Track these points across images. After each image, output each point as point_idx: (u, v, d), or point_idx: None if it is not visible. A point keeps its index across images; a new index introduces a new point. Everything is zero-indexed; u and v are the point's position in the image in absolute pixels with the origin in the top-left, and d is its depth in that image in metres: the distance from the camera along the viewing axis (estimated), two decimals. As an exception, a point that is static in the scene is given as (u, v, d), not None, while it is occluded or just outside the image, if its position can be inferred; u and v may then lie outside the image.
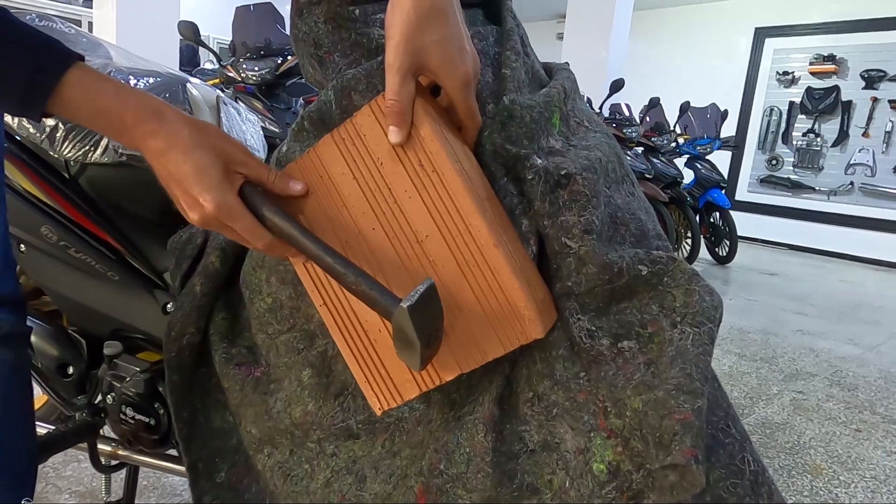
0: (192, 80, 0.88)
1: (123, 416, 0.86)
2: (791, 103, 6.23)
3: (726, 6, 6.54)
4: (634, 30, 5.53)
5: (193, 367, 0.70)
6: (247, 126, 0.92)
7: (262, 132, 0.98)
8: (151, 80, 0.83)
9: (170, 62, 3.71)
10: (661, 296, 0.50)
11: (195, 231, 0.78)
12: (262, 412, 0.62)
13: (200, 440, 0.69)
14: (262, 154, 0.95)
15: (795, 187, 6.25)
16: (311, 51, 0.61)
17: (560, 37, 5.62)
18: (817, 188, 6.12)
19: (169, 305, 0.82)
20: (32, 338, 0.90)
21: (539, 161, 0.50)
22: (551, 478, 0.48)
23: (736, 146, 5.57)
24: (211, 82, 2.91)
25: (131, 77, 0.82)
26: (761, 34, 6.36)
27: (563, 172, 0.50)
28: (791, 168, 6.27)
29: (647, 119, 4.50)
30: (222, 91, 2.91)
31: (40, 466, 1.21)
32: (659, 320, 0.49)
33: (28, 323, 0.91)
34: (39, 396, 1.07)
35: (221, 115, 0.87)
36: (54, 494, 1.15)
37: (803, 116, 6.17)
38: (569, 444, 0.48)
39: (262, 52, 2.59)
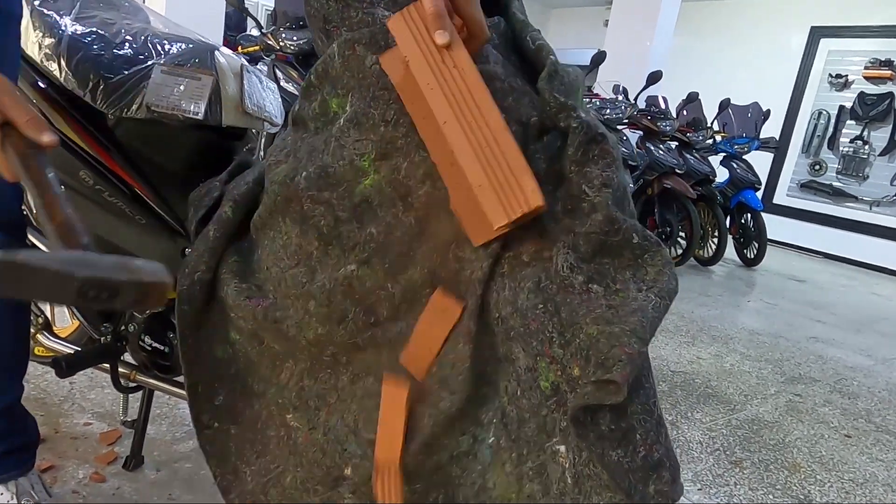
0: (221, 48, 0.97)
1: (142, 343, 0.98)
2: (841, 107, 6.04)
3: (781, 2, 6.33)
4: (681, 21, 5.42)
5: (202, 301, 0.79)
6: (266, 93, 1.00)
7: (280, 99, 1.07)
8: (184, 46, 0.92)
9: (215, 26, 3.83)
10: (637, 267, 0.60)
11: (213, 185, 0.88)
12: (280, 335, 0.71)
13: (202, 365, 0.78)
14: (279, 119, 1.04)
15: (837, 195, 6.08)
16: (321, 25, 0.69)
17: (607, 23, 5.56)
18: (860, 197, 5.95)
19: (187, 250, 0.92)
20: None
21: (583, 115, 0.60)
22: (506, 385, 0.59)
23: (776, 147, 5.45)
24: (251, 49, 3.02)
25: (166, 42, 0.91)
26: (817, 34, 6.15)
27: (599, 131, 0.60)
28: (834, 175, 6.11)
29: (685, 113, 4.44)
30: (263, 58, 3.01)
31: (67, 387, 1.35)
32: (627, 284, 0.59)
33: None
34: (72, 323, 1.20)
35: (244, 81, 0.96)
36: (78, 413, 1.29)
37: (853, 122, 5.98)
38: (521, 362, 0.58)
39: (301, 23, 2.67)
